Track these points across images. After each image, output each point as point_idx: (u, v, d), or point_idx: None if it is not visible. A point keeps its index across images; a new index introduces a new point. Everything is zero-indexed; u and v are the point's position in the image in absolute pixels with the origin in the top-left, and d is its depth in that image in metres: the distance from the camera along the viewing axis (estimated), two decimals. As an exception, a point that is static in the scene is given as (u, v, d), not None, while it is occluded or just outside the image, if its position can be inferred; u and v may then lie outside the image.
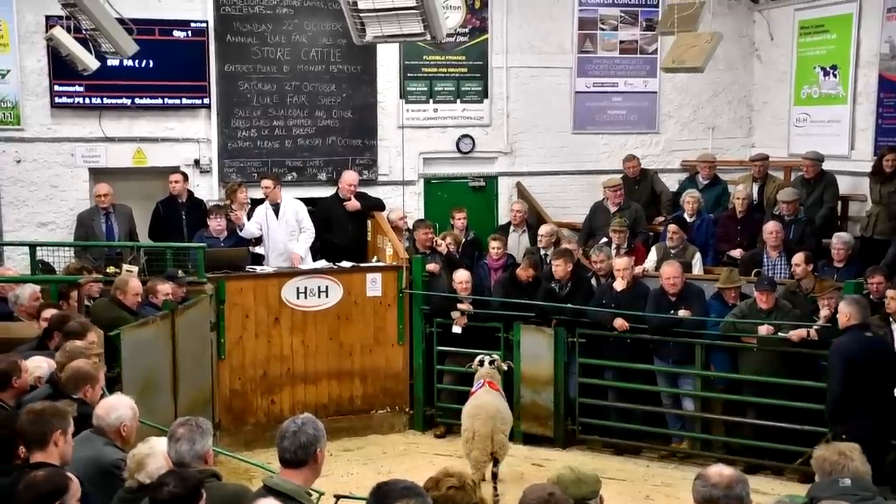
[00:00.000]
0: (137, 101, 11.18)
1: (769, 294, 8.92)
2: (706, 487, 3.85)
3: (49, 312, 7.30)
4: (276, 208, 10.83)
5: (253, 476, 7.76)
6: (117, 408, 5.08)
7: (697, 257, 10.44)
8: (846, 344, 7.50)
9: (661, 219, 11.64)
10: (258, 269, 10.29)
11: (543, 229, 11.05)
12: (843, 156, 11.59)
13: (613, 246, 10.55)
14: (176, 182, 10.86)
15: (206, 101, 11.41)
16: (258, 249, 10.73)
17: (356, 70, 11.91)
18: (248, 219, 10.88)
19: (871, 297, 8.84)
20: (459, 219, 11.38)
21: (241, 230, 10.66)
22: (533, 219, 11.90)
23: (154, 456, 4.49)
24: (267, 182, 10.88)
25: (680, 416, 9.74)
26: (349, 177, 11.28)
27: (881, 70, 11.20)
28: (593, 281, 10.28)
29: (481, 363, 9.03)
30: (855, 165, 11.41)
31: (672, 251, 10.34)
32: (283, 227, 10.79)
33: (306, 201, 11.18)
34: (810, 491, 4.90)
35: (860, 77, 11.52)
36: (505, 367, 9.20)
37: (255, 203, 11.32)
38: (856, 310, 7.53)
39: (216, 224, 10.38)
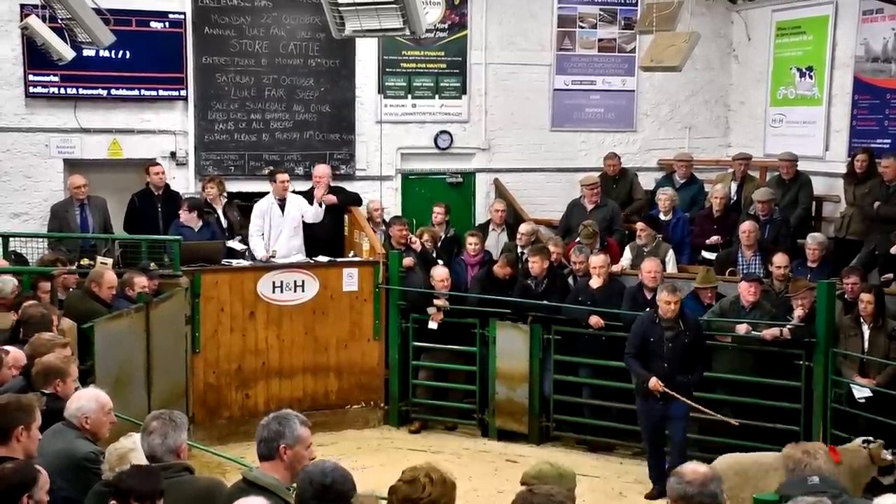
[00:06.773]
0: (113, 91, 11.09)
1: (756, 285, 8.95)
2: (681, 485, 3.87)
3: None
4: (282, 204, 10.71)
5: (226, 470, 7.72)
6: (80, 399, 5.04)
7: (671, 255, 10.45)
8: None
9: (635, 217, 11.66)
10: (234, 262, 10.23)
11: (523, 227, 11.00)
12: (817, 157, 11.67)
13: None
14: (159, 173, 10.78)
15: (182, 93, 11.34)
16: (234, 244, 10.65)
17: (335, 64, 11.87)
18: (223, 213, 10.87)
19: (846, 297, 8.90)
20: (438, 213, 11.34)
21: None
22: (511, 216, 11.89)
23: (137, 451, 4.46)
24: (284, 176, 10.73)
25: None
26: (318, 170, 11.16)
27: (856, 72, 11.28)
28: (570, 278, 10.30)
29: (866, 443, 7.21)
30: (829, 166, 11.49)
31: (645, 249, 10.36)
32: (289, 223, 10.67)
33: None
34: (780, 489, 4.95)
35: (835, 78, 11.59)
36: (889, 458, 7.09)
37: (232, 197, 11.29)
38: None
39: (189, 217, 10.30)
